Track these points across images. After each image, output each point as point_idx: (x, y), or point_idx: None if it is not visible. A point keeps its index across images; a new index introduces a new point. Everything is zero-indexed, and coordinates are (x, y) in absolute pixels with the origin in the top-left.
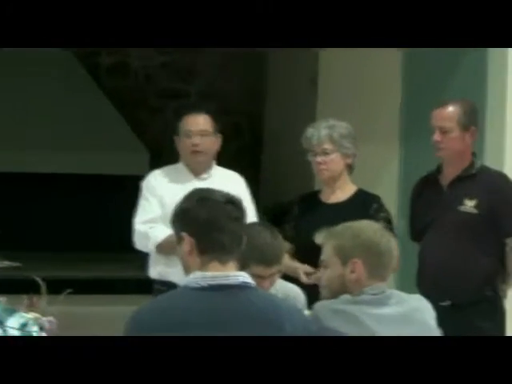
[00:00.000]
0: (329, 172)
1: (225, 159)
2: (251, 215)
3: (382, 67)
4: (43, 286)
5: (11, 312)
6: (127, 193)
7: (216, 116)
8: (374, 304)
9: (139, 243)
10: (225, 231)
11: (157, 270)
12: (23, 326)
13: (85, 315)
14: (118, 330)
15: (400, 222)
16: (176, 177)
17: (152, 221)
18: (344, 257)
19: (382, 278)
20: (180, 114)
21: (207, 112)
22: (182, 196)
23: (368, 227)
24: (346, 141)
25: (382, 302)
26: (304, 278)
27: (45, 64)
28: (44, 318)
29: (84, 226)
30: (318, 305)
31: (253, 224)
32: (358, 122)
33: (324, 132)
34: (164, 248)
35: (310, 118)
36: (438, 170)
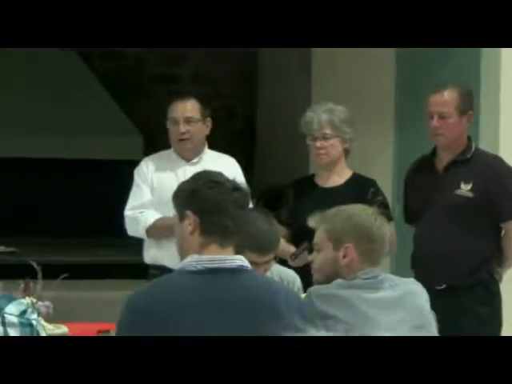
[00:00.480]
0: (328, 157)
1: (218, 143)
2: None
3: (376, 52)
4: (39, 271)
5: (10, 299)
6: (121, 177)
7: (208, 100)
8: (367, 288)
9: (130, 229)
10: (229, 216)
11: (150, 254)
12: (23, 313)
13: (80, 300)
14: (113, 314)
15: (395, 206)
16: (167, 162)
17: (142, 206)
18: (336, 241)
19: (375, 262)
20: (171, 98)
21: (196, 96)
22: (175, 180)
23: (361, 211)
24: (345, 126)
25: (375, 287)
26: (290, 260)
27: (37, 49)
28: (40, 303)
29: (78, 210)
30: (312, 289)
31: (249, 210)
32: (352, 107)
33: (324, 117)
34: (154, 231)
35: (304, 102)
36: (433, 153)
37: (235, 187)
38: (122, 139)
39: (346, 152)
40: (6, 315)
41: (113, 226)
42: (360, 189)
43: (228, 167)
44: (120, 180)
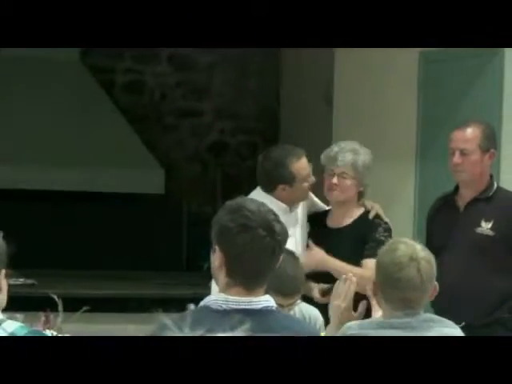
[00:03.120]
0: (339, 195)
1: (243, 177)
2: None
3: (398, 84)
4: (60, 304)
5: (32, 333)
6: (142, 211)
7: (233, 134)
8: (403, 328)
9: None
10: (257, 263)
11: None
12: None
13: (100, 333)
14: None
15: (415, 238)
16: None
17: None
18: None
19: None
20: (195, 132)
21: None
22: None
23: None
24: (365, 170)
25: (412, 326)
26: (318, 296)
27: (60, 80)
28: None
29: (99, 243)
30: (347, 327)
31: None
32: (374, 140)
33: (349, 156)
34: None
35: (326, 135)
36: (455, 191)
37: (269, 233)
38: (144, 172)
39: (360, 195)
40: None
41: (133, 259)
42: (367, 227)
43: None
44: (141, 213)
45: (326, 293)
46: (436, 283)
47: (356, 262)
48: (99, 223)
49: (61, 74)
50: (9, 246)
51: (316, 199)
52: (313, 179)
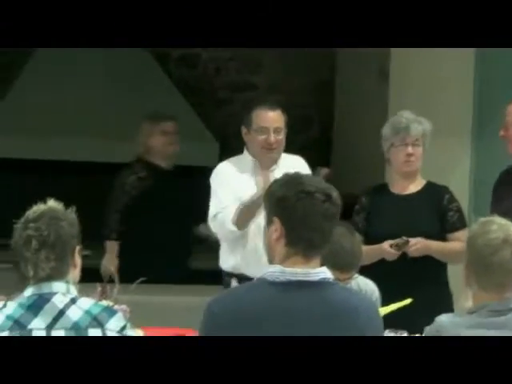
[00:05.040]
0: (415, 165)
1: (294, 152)
2: None
3: (455, 60)
4: (116, 275)
5: (111, 313)
6: (197, 184)
7: (285, 108)
8: (497, 328)
9: (219, 230)
10: (317, 230)
11: (229, 262)
12: (123, 329)
13: (156, 305)
14: (189, 320)
15: (471, 215)
16: (244, 168)
17: (226, 208)
18: None
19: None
20: (250, 106)
21: (279, 106)
22: (254, 188)
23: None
24: (428, 138)
25: (506, 325)
26: (390, 250)
27: (114, 55)
28: (117, 306)
29: (155, 215)
30: (439, 324)
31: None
32: (430, 116)
33: (420, 125)
34: (242, 216)
35: (382, 111)
36: None
37: (327, 198)
38: (199, 146)
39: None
40: (107, 331)
41: (188, 230)
42: (435, 195)
43: (298, 168)
44: (196, 186)
45: (400, 247)
46: None
47: (428, 226)
48: (153, 196)
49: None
50: None
51: None
52: (270, 139)
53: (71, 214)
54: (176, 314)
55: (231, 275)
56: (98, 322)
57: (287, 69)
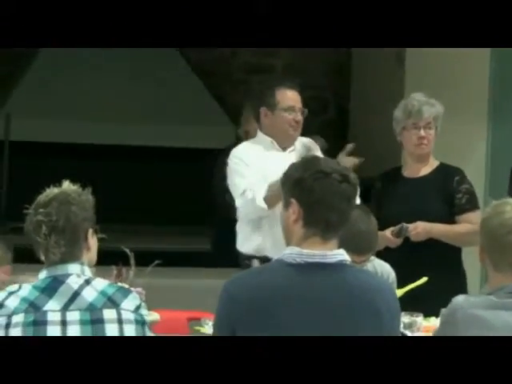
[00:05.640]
0: (428, 147)
1: (311, 134)
2: None
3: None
4: (131, 257)
5: (125, 293)
6: (213, 166)
7: (302, 90)
8: None
9: (248, 206)
10: (334, 210)
11: (252, 244)
12: (137, 308)
13: (172, 287)
14: (204, 303)
15: (488, 199)
16: (263, 148)
17: (247, 188)
18: None
19: None
20: (269, 86)
21: (296, 87)
22: (276, 167)
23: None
24: (440, 120)
25: None
26: (390, 237)
27: None
28: (132, 289)
29: (169, 198)
30: (455, 304)
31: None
32: (446, 99)
33: (431, 108)
34: (273, 195)
35: (398, 94)
36: None
37: (344, 178)
38: (215, 128)
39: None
40: (122, 311)
41: (205, 214)
42: (446, 177)
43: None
44: (211, 168)
45: (398, 234)
46: None
47: (436, 208)
48: (169, 178)
49: None
50: None
51: None
52: (299, 118)
53: (85, 195)
54: (192, 296)
55: (252, 257)
56: (112, 302)
57: (303, 51)
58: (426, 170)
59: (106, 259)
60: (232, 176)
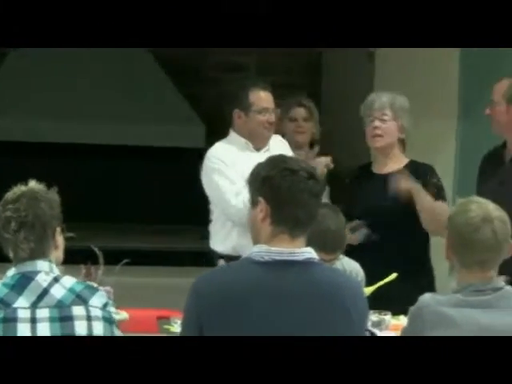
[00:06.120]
0: (383, 140)
1: (283, 132)
2: None
3: None
4: (100, 256)
5: (93, 290)
6: (184, 165)
7: (273, 89)
8: (483, 307)
9: (243, 211)
10: (302, 206)
11: (229, 243)
12: (105, 305)
13: (141, 286)
14: (173, 301)
15: (456, 197)
16: (238, 149)
17: (240, 191)
18: None
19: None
20: (242, 87)
21: (268, 87)
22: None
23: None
24: (404, 113)
25: (491, 305)
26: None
27: None
28: (101, 288)
29: (139, 197)
30: (422, 302)
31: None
32: (416, 96)
33: (385, 99)
34: None
35: (367, 91)
36: (504, 144)
37: (311, 175)
38: (185, 127)
39: (402, 143)
40: (91, 308)
41: (173, 213)
42: (415, 174)
43: (284, 150)
44: (182, 168)
45: (354, 229)
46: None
47: (393, 206)
48: (139, 177)
49: None
50: None
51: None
52: (272, 119)
53: (52, 194)
54: (161, 295)
55: (225, 257)
56: (81, 299)
57: (276, 49)
58: (395, 166)
59: (75, 258)
60: (212, 176)
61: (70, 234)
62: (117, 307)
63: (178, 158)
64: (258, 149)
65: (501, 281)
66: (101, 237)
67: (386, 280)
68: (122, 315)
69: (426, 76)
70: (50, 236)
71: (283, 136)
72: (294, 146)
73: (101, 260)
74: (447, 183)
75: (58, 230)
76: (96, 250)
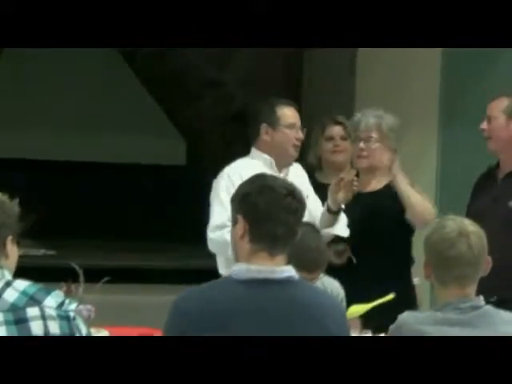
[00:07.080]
0: (368, 161)
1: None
2: (318, 205)
3: (421, 53)
4: (81, 274)
5: (47, 292)
6: (164, 182)
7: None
8: (461, 326)
9: (218, 249)
10: (280, 223)
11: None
12: (60, 305)
13: (122, 304)
14: (155, 320)
15: (437, 212)
16: (260, 167)
17: (226, 225)
18: None
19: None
20: (267, 103)
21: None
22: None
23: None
24: (391, 134)
25: (471, 324)
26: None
27: (80, 51)
28: (81, 306)
29: (120, 214)
30: (401, 320)
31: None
32: (396, 108)
33: (373, 120)
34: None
35: (348, 103)
36: (498, 164)
37: (289, 192)
38: (165, 144)
39: (392, 162)
40: (45, 308)
41: (154, 230)
42: (387, 197)
43: (302, 177)
44: (163, 185)
45: (340, 254)
46: (488, 257)
47: (373, 230)
48: (119, 194)
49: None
50: (29, 217)
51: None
52: (300, 135)
53: (10, 203)
54: (142, 313)
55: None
56: (34, 301)
57: (255, 63)
58: (378, 185)
59: (56, 275)
60: (219, 192)
61: (52, 252)
62: (97, 325)
63: (159, 176)
64: (280, 169)
65: (481, 300)
66: (81, 255)
67: (383, 299)
68: (102, 333)
69: (406, 88)
70: (0, 244)
71: (319, 158)
72: (332, 167)
73: (81, 278)
74: (429, 193)
75: (10, 238)
76: (76, 267)
